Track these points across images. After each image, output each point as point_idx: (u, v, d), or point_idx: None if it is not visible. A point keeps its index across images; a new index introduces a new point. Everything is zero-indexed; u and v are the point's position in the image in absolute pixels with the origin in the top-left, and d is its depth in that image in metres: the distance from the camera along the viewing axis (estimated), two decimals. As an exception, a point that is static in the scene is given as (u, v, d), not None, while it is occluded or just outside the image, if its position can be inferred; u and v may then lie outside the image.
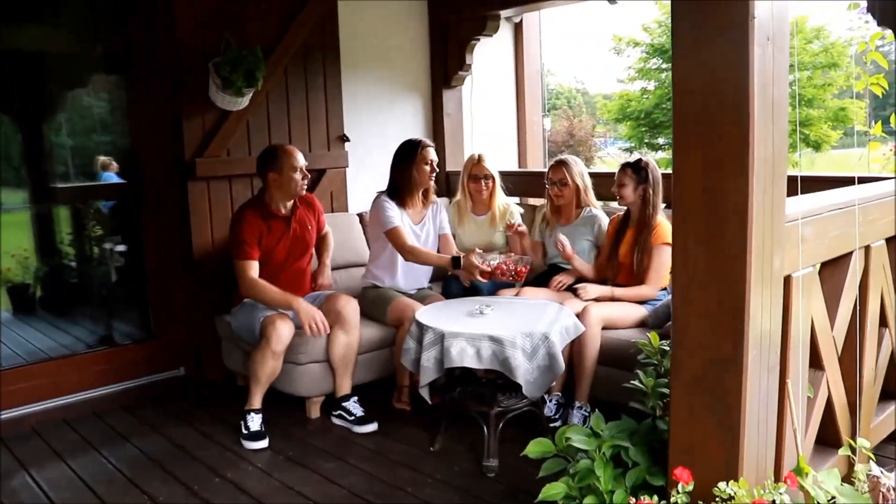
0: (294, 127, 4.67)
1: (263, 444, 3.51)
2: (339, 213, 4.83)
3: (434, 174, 4.05)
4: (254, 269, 3.68)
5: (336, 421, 3.69)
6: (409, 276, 4.13)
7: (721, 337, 1.92)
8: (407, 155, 4.04)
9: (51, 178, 4.78)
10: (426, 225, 4.14)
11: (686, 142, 1.96)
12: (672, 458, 2.05)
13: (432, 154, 4.03)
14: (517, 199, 5.02)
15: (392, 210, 3.98)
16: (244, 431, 3.57)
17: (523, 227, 4.03)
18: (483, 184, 4.37)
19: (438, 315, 3.34)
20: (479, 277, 3.67)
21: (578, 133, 19.57)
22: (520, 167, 6.00)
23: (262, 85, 4.21)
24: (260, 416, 3.64)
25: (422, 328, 3.18)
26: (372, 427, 3.59)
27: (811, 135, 15.28)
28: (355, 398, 3.70)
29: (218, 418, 3.85)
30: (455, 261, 3.78)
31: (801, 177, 2.29)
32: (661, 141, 17.45)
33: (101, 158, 4.86)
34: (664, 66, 17.05)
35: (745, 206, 1.83)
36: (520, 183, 4.98)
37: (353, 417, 3.63)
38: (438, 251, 4.15)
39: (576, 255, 3.83)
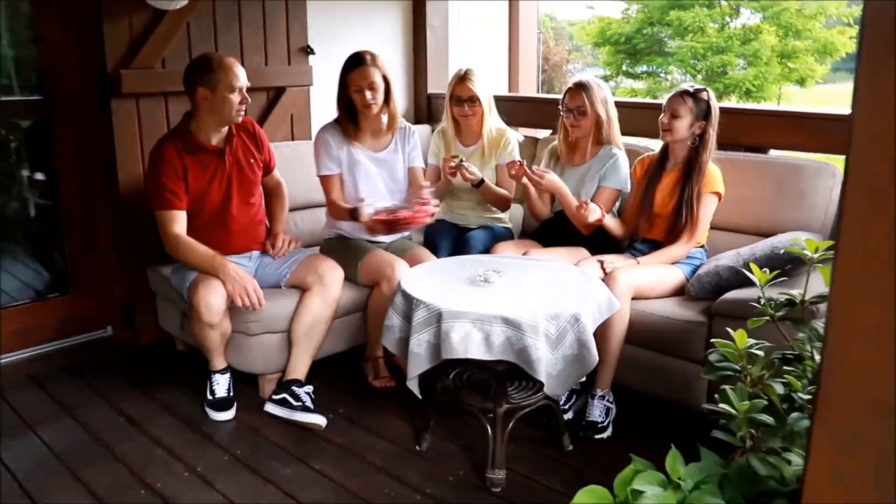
0: (247, 34, 3.79)
1: (229, 414, 2.93)
2: (302, 141, 4.00)
3: (374, 101, 3.15)
4: (178, 221, 2.89)
5: (273, 409, 2.88)
6: None
7: (909, 372, 1.22)
8: (342, 73, 3.20)
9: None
10: (395, 152, 3.35)
11: (877, 63, 1.21)
12: (802, 537, 1.37)
13: (368, 75, 3.12)
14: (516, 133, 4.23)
15: (329, 150, 3.24)
16: (209, 397, 2.98)
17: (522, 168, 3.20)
18: (467, 107, 3.49)
19: (431, 283, 2.60)
20: (373, 234, 3.14)
21: (553, 58, 18.64)
22: (510, 91, 5.19)
23: (204, -22, 3.33)
24: (227, 376, 2.98)
25: (410, 302, 2.44)
26: (319, 420, 2.80)
27: (800, 67, 14.53)
28: (310, 388, 2.93)
29: (150, 395, 3.11)
30: (353, 213, 3.09)
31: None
32: (641, 69, 16.54)
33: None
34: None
35: None
36: (511, 110, 4.16)
37: (298, 404, 2.86)
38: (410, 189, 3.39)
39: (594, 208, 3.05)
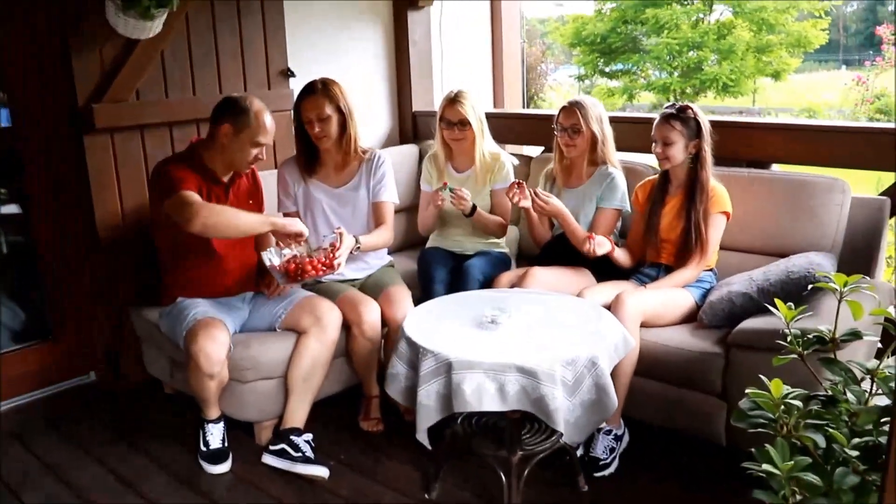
0: (224, 60, 3.63)
1: (225, 467, 2.76)
2: (285, 169, 3.86)
3: (323, 133, 3.01)
4: (198, 197, 2.69)
5: (271, 460, 2.72)
6: (352, 259, 3.07)
7: None
8: (295, 103, 3.09)
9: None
10: (357, 188, 3.15)
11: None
12: None
13: (316, 106, 2.98)
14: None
15: (286, 187, 3.18)
16: (202, 449, 2.80)
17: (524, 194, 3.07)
18: (457, 130, 3.34)
19: (436, 328, 2.46)
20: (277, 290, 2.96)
21: (527, 59, 18.62)
22: (495, 107, 5.05)
23: (178, 5, 3.15)
24: (220, 425, 2.82)
25: (416, 350, 2.31)
26: (321, 472, 2.64)
27: (773, 61, 14.56)
28: (309, 436, 2.78)
29: (140, 448, 2.94)
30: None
31: None
32: (616, 68, 16.49)
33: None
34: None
35: None
36: (498, 126, 3.95)
37: (298, 454, 2.69)
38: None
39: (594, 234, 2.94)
